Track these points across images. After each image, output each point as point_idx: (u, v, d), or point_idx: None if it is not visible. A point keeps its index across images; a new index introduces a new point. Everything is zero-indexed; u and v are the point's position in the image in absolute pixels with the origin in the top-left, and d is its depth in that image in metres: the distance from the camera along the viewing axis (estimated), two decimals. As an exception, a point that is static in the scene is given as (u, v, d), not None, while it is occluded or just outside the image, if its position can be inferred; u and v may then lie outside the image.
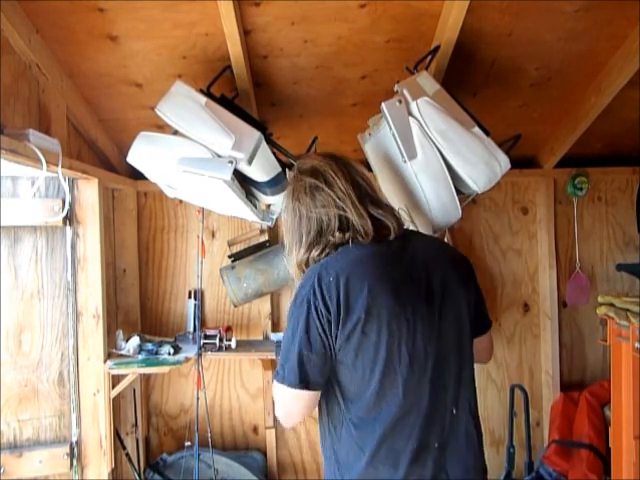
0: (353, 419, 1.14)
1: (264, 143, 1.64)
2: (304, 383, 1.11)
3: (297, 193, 1.23)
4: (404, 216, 1.73)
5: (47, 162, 1.53)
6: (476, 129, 1.65)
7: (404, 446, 1.11)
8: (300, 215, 1.21)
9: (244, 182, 1.80)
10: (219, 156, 1.57)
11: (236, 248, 2.57)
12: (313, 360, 1.11)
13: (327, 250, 1.19)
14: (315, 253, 1.19)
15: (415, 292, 1.14)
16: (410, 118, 1.59)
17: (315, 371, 1.11)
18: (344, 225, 1.18)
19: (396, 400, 1.11)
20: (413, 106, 1.60)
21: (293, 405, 1.17)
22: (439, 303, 1.16)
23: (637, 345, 1.84)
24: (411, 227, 1.73)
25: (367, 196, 1.22)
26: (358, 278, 1.11)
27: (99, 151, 2.27)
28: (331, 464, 1.20)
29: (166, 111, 1.62)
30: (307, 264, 1.23)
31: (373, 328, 1.09)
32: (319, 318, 1.09)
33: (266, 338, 2.61)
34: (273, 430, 2.62)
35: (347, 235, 1.17)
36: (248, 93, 1.92)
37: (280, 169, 1.82)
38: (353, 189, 1.20)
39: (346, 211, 1.17)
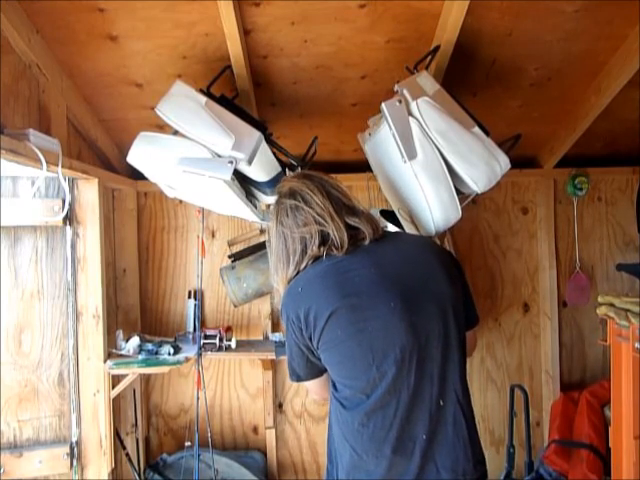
0: (339, 409, 1.22)
1: (264, 143, 1.64)
2: (302, 378, 1.31)
3: (280, 216, 1.31)
4: (404, 216, 1.73)
5: (47, 162, 1.53)
6: (476, 129, 1.65)
7: (385, 437, 1.16)
8: (285, 237, 1.29)
9: (244, 182, 1.80)
10: (219, 156, 1.57)
11: (236, 248, 2.57)
12: (301, 362, 1.28)
13: (309, 263, 1.26)
14: (302, 267, 1.27)
15: (389, 291, 1.18)
16: (410, 118, 1.59)
17: (306, 368, 1.28)
18: (325, 239, 1.25)
19: (374, 394, 1.16)
20: (413, 106, 1.60)
21: (310, 389, 1.39)
22: (419, 299, 1.19)
23: (637, 345, 1.84)
24: (412, 228, 1.73)
25: (343, 207, 1.29)
26: (324, 286, 1.20)
27: (99, 151, 2.27)
28: (331, 447, 1.32)
29: (166, 111, 1.62)
30: None
31: (343, 329, 1.16)
32: (293, 327, 1.23)
33: (266, 338, 2.61)
34: (273, 430, 2.62)
35: (322, 249, 1.24)
36: (248, 93, 1.92)
37: (280, 169, 1.82)
38: (330, 202, 1.27)
39: (326, 226, 1.24)
